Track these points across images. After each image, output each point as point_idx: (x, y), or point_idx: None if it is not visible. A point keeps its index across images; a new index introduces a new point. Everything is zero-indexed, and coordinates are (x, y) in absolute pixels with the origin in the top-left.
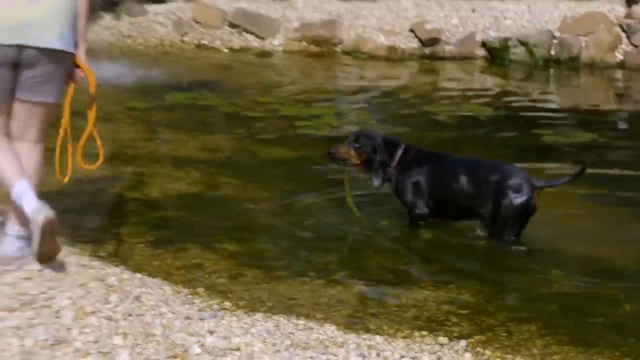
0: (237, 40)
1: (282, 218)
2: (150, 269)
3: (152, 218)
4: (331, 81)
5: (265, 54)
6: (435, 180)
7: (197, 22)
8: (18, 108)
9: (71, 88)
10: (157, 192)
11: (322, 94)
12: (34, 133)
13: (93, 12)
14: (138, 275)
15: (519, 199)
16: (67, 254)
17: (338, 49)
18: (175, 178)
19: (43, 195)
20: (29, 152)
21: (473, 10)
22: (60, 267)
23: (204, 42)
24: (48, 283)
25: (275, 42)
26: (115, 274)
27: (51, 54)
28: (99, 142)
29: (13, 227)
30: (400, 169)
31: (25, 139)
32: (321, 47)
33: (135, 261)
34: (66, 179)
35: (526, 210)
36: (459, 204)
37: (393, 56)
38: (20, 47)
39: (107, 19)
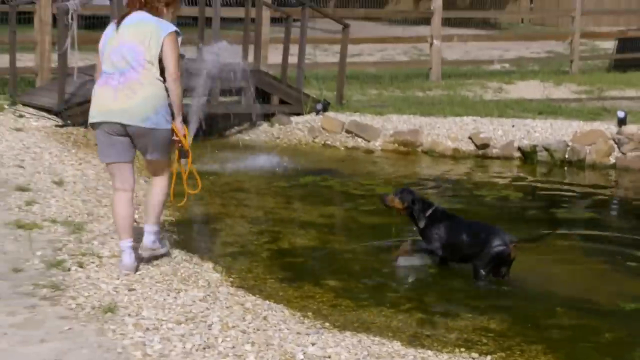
0: (351, 142)
1: (369, 264)
2: (277, 297)
3: (282, 262)
4: (413, 171)
5: (369, 152)
6: (450, 233)
7: (324, 129)
8: (146, 162)
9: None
10: (287, 244)
11: (407, 179)
12: (158, 175)
13: (256, 122)
14: (267, 302)
15: (497, 248)
16: (220, 285)
17: (419, 149)
18: (300, 235)
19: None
20: (157, 186)
21: (513, 126)
22: (215, 295)
23: (328, 142)
24: (205, 305)
25: (377, 144)
26: (251, 300)
27: (142, 130)
28: (197, 177)
29: (126, 241)
30: (429, 222)
31: (156, 178)
32: (407, 148)
33: (267, 292)
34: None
35: (501, 256)
36: (463, 251)
37: (456, 155)
38: (124, 125)
39: (264, 125)
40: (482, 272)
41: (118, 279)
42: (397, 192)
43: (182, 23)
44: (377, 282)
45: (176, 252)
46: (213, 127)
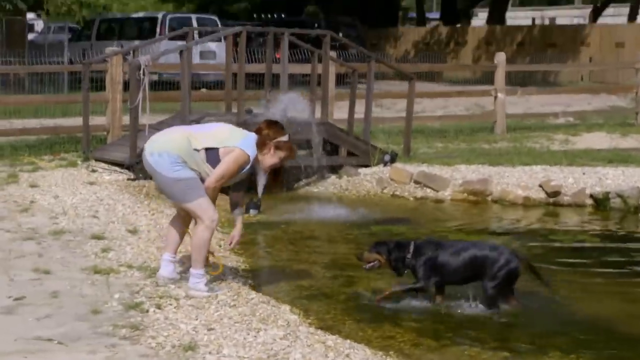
0: (420, 192)
1: (448, 305)
2: (357, 337)
3: (359, 304)
4: (485, 219)
5: (439, 201)
6: (443, 259)
7: (392, 180)
8: None
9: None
10: (362, 288)
11: (480, 226)
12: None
13: (324, 174)
14: (348, 341)
15: (512, 264)
16: (300, 325)
17: (489, 198)
18: (375, 279)
19: None
20: (195, 230)
21: (584, 173)
22: (295, 334)
23: (397, 193)
24: (286, 342)
25: (446, 193)
26: (332, 339)
27: (146, 162)
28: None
29: (168, 254)
30: (415, 258)
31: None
32: (477, 197)
33: (346, 332)
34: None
35: (515, 274)
36: (463, 273)
37: (527, 204)
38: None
39: (332, 178)
40: (494, 293)
41: (197, 319)
42: (371, 247)
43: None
44: (457, 321)
45: (253, 294)
46: (282, 180)
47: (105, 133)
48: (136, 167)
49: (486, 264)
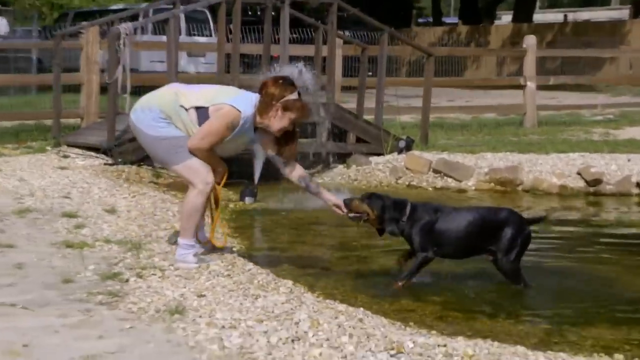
0: (439, 182)
1: (474, 282)
2: (371, 310)
3: (373, 281)
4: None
5: (461, 192)
6: (445, 226)
7: (408, 169)
8: None
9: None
10: (377, 266)
11: None
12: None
13: (330, 164)
14: (361, 309)
15: (526, 231)
16: (305, 293)
17: (519, 188)
18: (392, 258)
19: None
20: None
21: (629, 160)
22: (299, 300)
23: (413, 183)
24: (290, 306)
25: (469, 183)
26: (343, 307)
27: (133, 126)
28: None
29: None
30: (411, 223)
31: None
32: (505, 187)
33: (358, 305)
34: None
35: (529, 241)
36: (471, 244)
37: (564, 193)
38: None
39: (339, 167)
40: (515, 265)
41: (185, 287)
42: (364, 197)
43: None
44: (486, 296)
45: (250, 265)
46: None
47: (79, 120)
48: (115, 150)
49: (498, 233)
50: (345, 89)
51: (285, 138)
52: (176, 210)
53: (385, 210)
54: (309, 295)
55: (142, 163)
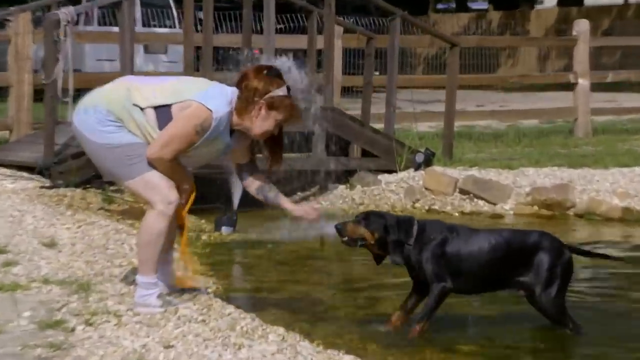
0: (468, 205)
1: (509, 327)
2: None
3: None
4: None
5: (496, 217)
6: (461, 251)
7: (427, 189)
8: None
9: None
10: (391, 309)
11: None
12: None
13: (329, 184)
14: None
15: (566, 256)
16: (301, 341)
17: (570, 212)
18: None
19: None
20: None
21: None
22: (294, 349)
23: (435, 207)
24: (282, 357)
25: (506, 207)
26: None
27: (77, 133)
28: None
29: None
30: (419, 245)
31: None
32: (553, 211)
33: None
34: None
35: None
36: (495, 274)
37: (628, 217)
38: None
39: (341, 188)
40: (559, 301)
41: (148, 336)
42: (361, 217)
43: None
44: (527, 343)
45: (230, 308)
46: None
47: (7, 133)
48: (54, 169)
49: (533, 259)
50: (347, 90)
51: (269, 145)
52: (134, 242)
53: (389, 231)
54: (306, 344)
55: (89, 185)
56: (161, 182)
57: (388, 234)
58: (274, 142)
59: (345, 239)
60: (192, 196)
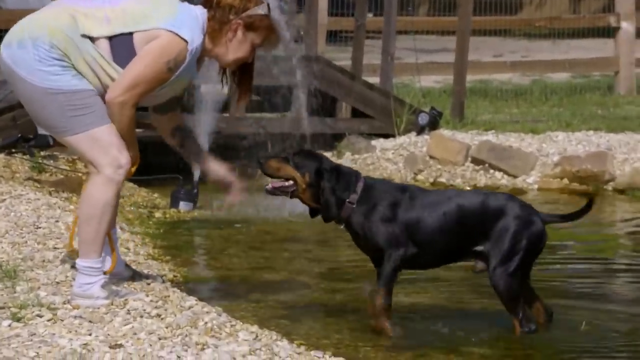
0: (482, 178)
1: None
2: None
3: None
4: (601, 221)
5: (517, 192)
6: (416, 216)
7: (433, 157)
8: None
9: None
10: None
11: (595, 227)
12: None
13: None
14: None
15: (536, 227)
16: (277, 340)
17: (608, 186)
18: (409, 292)
19: None
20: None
21: None
22: (270, 350)
23: (441, 179)
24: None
25: (529, 179)
26: None
27: (8, 71)
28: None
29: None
30: (363, 206)
31: None
32: (587, 185)
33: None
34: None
35: (541, 243)
36: (450, 243)
37: None
38: None
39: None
40: (513, 282)
41: (90, 334)
42: (291, 155)
43: None
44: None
45: (191, 300)
46: (235, 159)
47: None
48: None
49: (492, 226)
50: (334, 35)
51: (238, 75)
52: (70, 220)
53: (322, 177)
54: (285, 344)
55: (13, 150)
56: (112, 141)
57: (322, 180)
58: (244, 70)
59: (269, 186)
60: (136, 164)
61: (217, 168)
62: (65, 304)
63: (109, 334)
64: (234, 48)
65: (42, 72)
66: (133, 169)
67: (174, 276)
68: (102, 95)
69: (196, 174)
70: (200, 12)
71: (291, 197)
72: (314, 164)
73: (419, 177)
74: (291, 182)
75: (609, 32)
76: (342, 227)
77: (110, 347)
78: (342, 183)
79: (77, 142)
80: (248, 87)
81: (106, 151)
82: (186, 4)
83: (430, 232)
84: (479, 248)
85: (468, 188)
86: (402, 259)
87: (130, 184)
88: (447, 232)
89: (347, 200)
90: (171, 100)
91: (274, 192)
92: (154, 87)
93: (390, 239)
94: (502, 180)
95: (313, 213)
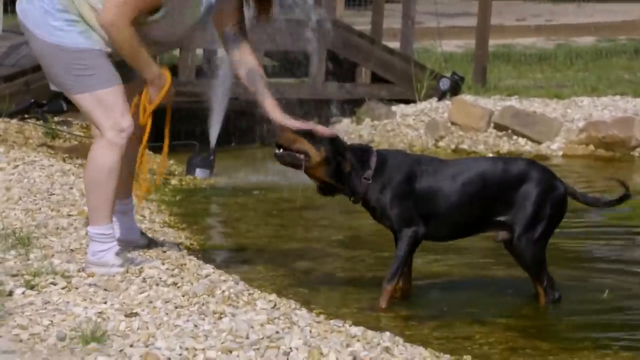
0: (505, 144)
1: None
2: (402, 337)
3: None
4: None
5: (541, 158)
6: (433, 186)
7: (454, 123)
8: None
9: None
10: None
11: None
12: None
13: (330, 117)
14: (387, 333)
15: (559, 191)
16: (296, 309)
17: (636, 152)
18: (431, 261)
19: None
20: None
21: None
22: (289, 319)
23: (463, 146)
24: (273, 328)
25: (554, 146)
26: (359, 330)
27: (23, 27)
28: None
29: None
30: (378, 181)
31: None
32: (613, 151)
33: (381, 329)
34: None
35: (564, 210)
36: (473, 215)
37: None
38: None
39: (345, 123)
40: (540, 250)
41: (105, 302)
42: (306, 130)
43: None
44: (567, 318)
45: (208, 268)
46: (252, 128)
47: None
48: None
49: (514, 194)
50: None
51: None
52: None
53: (339, 153)
54: (304, 313)
55: (27, 116)
56: (115, 104)
57: (338, 157)
58: None
59: (280, 152)
60: (167, 85)
61: (279, 116)
62: (79, 271)
63: (124, 302)
64: None
65: (48, 26)
66: (164, 91)
67: (191, 244)
68: (111, 54)
69: (213, 139)
70: None
71: (302, 170)
72: (330, 140)
73: (440, 143)
74: (302, 155)
75: None
76: (359, 204)
77: (126, 316)
78: (357, 160)
79: (82, 101)
80: (269, 3)
81: (109, 114)
82: None
83: (449, 205)
84: (502, 218)
85: (490, 155)
86: (416, 239)
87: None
88: (467, 203)
89: (363, 176)
90: (240, 36)
91: (284, 158)
92: (142, 6)
93: (405, 217)
94: (525, 146)
95: (323, 190)
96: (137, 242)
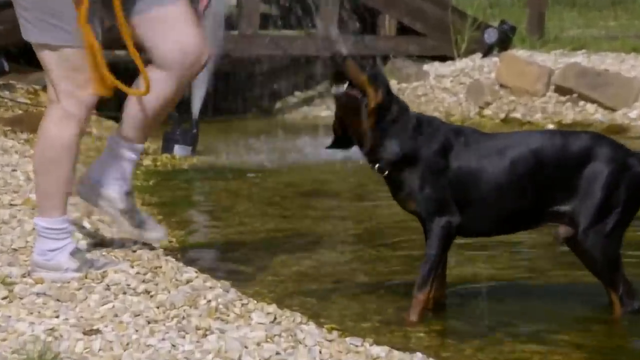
0: (570, 112)
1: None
2: (429, 353)
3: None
4: None
5: (615, 129)
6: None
7: (503, 86)
8: None
9: None
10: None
11: None
12: None
13: None
14: (418, 354)
15: (635, 171)
16: (302, 323)
17: None
18: (461, 261)
19: None
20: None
21: None
22: (293, 335)
23: (516, 115)
24: (273, 347)
25: (632, 114)
26: (379, 351)
27: None
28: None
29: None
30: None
31: None
32: None
33: (404, 345)
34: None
35: None
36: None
37: None
38: None
39: None
40: (613, 244)
41: (57, 316)
42: (370, 68)
43: None
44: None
45: (190, 272)
46: (247, 91)
47: None
48: None
49: (577, 176)
50: None
51: None
52: (31, 168)
53: (392, 101)
54: (311, 328)
55: None
56: (81, 67)
57: (391, 104)
58: None
59: (341, 90)
60: None
61: None
62: (24, 277)
63: (82, 317)
64: None
65: None
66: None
67: (169, 241)
68: None
69: (196, 109)
70: None
71: (357, 115)
72: (387, 83)
73: (486, 111)
74: (363, 93)
75: None
76: (384, 175)
77: (84, 333)
78: (401, 118)
79: (44, 54)
80: None
81: (72, 77)
82: None
83: (492, 189)
84: (562, 208)
85: (551, 126)
86: (449, 232)
87: (110, 123)
88: (516, 188)
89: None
90: None
91: (346, 99)
92: None
93: (437, 200)
94: (595, 114)
95: (345, 144)
96: (115, 202)
